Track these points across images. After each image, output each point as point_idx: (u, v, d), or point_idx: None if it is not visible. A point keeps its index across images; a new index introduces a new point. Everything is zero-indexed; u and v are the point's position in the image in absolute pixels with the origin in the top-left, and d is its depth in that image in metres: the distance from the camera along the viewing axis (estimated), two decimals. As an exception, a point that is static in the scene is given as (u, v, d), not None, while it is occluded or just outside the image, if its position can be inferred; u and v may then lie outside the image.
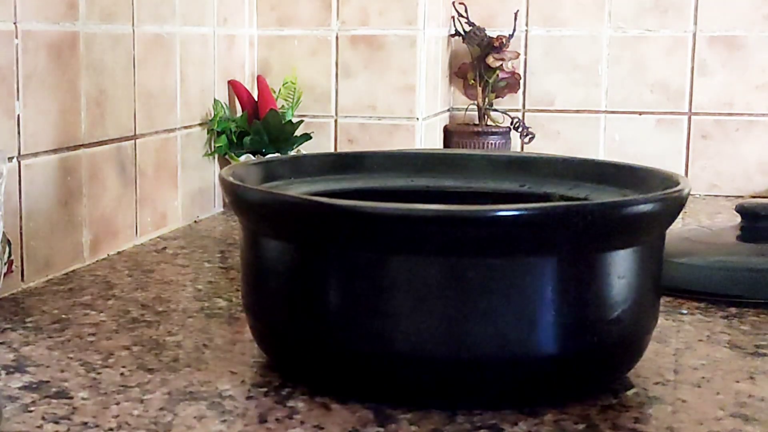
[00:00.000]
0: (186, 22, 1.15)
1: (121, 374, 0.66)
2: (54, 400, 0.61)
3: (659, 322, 0.68)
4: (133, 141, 1.05)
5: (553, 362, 0.59)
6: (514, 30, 1.46)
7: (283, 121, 1.26)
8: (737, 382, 0.66)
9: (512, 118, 1.46)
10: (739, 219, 0.97)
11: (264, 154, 1.24)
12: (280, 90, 1.32)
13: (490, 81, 1.45)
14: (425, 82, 1.34)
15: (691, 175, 1.45)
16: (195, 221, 1.20)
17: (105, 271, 0.94)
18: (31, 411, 0.59)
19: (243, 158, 1.23)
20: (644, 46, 1.45)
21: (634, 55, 1.46)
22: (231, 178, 0.65)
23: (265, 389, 0.63)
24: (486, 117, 1.47)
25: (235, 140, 1.24)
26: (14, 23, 0.84)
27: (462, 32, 1.46)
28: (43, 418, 0.58)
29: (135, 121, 1.05)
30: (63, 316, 0.79)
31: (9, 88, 0.84)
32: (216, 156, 1.25)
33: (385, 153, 0.84)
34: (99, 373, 0.66)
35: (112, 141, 1.01)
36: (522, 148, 1.47)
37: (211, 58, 1.23)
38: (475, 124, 1.47)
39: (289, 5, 1.35)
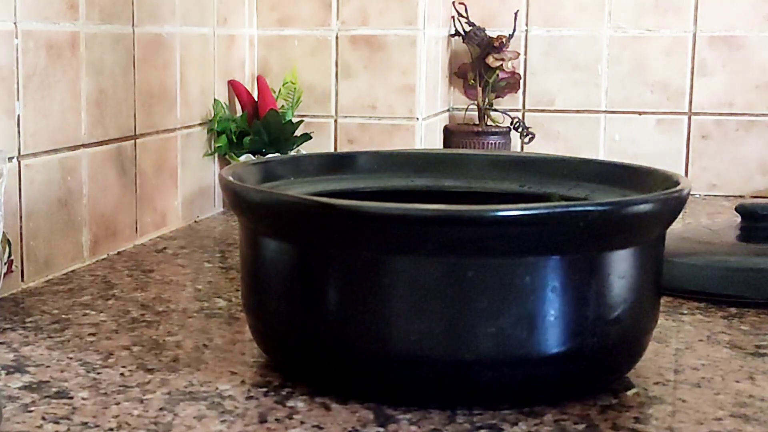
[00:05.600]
0: (186, 22, 1.15)
1: (121, 374, 0.66)
2: (54, 400, 0.61)
3: (659, 322, 0.68)
4: (133, 141, 1.05)
5: (553, 362, 0.59)
6: (514, 30, 1.46)
7: (283, 121, 1.26)
8: (737, 382, 0.66)
9: (512, 118, 1.46)
10: (739, 219, 0.97)
11: (264, 154, 1.24)
12: (280, 90, 1.32)
13: (490, 81, 1.45)
14: (425, 82, 1.34)
15: (691, 175, 1.45)
16: (195, 221, 1.20)
17: (105, 271, 0.94)
18: (31, 411, 0.59)
19: (243, 158, 1.23)
20: (644, 46, 1.45)
21: (634, 55, 1.46)
22: (231, 178, 0.65)
23: (265, 389, 0.63)
24: (486, 117, 1.47)
25: (235, 140, 1.24)
26: (14, 23, 0.84)
27: (462, 32, 1.46)
28: (43, 418, 0.58)
29: (135, 121, 1.05)
30: (63, 316, 0.79)
31: (9, 88, 0.84)
32: (216, 156, 1.25)
33: (385, 153, 0.84)
34: (99, 373, 0.66)
35: (112, 141, 1.01)
36: (522, 148, 1.47)
37: (211, 58, 1.23)
38: (475, 124, 1.47)
39: (289, 5, 1.35)
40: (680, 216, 0.67)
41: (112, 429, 0.57)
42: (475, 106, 1.47)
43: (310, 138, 1.29)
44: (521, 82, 1.49)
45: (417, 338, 0.58)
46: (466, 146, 1.45)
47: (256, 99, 1.29)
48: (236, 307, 0.83)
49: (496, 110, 1.47)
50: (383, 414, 0.59)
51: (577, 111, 1.49)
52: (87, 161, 0.96)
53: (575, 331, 0.59)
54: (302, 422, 0.58)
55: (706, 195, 1.45)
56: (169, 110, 1.13)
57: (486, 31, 1.45)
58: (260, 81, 1.30)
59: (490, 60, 1.44)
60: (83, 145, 0.95)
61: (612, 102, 1.47)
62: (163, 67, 1.11)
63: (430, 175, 0.82)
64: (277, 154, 1.23)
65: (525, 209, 0.57)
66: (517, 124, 1.45)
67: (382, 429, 0.57)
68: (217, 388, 0.63)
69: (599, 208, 0.59)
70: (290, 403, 0.61)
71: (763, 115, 1.44)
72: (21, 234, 0.86)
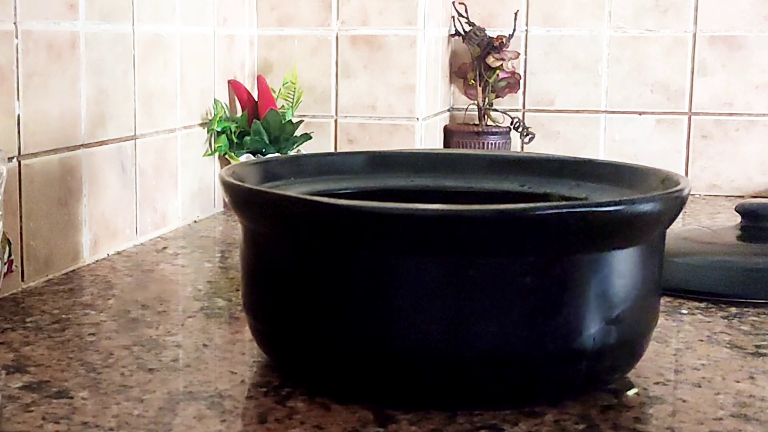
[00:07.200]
0: (186, 22, 1.15)
1: (121, 374, 0.66)
2: (54, 400, 0.61)
3: (659, 322, 0.68)
4: (133, 141, 1.05)
5: (553, 362, 0.59)
6: (514, 30, 1.46)
7: (283, 121, 1.26)
8: (737, 382, 0.66)
9: (512, 118, 1.46)
10: (739, 219, 0.97)
11: (264, 154, 1.24)
12: (280, 90, 1.32)
13: (490, 81, 1.45)
14: (425, 82, 1.34)
15: (691, 175, 1.45)
16: (195, 221, 1.20)
17: (105, 271, 0.94)
18: (31, 411, 0.59)
19: (243, 158, 1.23)
20: (644, 46, 1.45)
21: (634, 55, 1.46)
22: (231, 178, 0.65)
23: (265, 389, 0.63)
24: (486, 117, 1.47)
25: (235, 140, 1.24)
26: (14, 23, 0.84)
27: (462, 32, 1.46)
28: (43, 418, 0.58)
29: (135, 121, 1.05)
30: (63, 316, 0.79)
31: (9, 88, 0.84)
32: (216, 156, 1.25)
33: (385, 153, 0.84)
34: (99, 373, 0.66)
35: (112, 141, 1.01)
36: (522, 148, 1.47)
37: (211, 58, 1.23)
38: (475, 124, 1.47)
39: (289, 5, 1.35)
40: (680, 216, 0.67)
41: (112, 429, 0.57)
42: (475, 106, 1.47)
43: (310, 138, 1.29)
44: (521, 82, 1.49)
45: (417, 338, 0.58)
46: (466, 146, 1.45)
47: (256, 99, 1.29)
48: (236, 307, 0.83)
49: (496, 110, 1.47)
50: (383, 414, 0.59)
51: (577, 111, 1.49)
52: (87, 161, 0.96)
53: (575, 331, 0.59)
54: (302, 422, 0.58)
55: (706, 195, 1.45)
56: (169, 110, 1.13)
57: (486, 31, 1.45)
58: (260, 81, 1.30)
59: (490, 60, 1.44)
60: (83, 145, 0.95)
61: (612, 102, 1.47)
62: (163, 67, 1.11)
63: (430, 175, 0.82)
64: (277, 154, 1.23)
65: (524, 209, 0.57)
66: (517, 124, 1.45)
67: (382, 429, 0.57)
68: (217, 388, 0.63)
69: (599, 208, 0.59)
70: (290, 403, 0.61)
71: (763, 115, 1.44)
72: (21, 234, 0.86)
